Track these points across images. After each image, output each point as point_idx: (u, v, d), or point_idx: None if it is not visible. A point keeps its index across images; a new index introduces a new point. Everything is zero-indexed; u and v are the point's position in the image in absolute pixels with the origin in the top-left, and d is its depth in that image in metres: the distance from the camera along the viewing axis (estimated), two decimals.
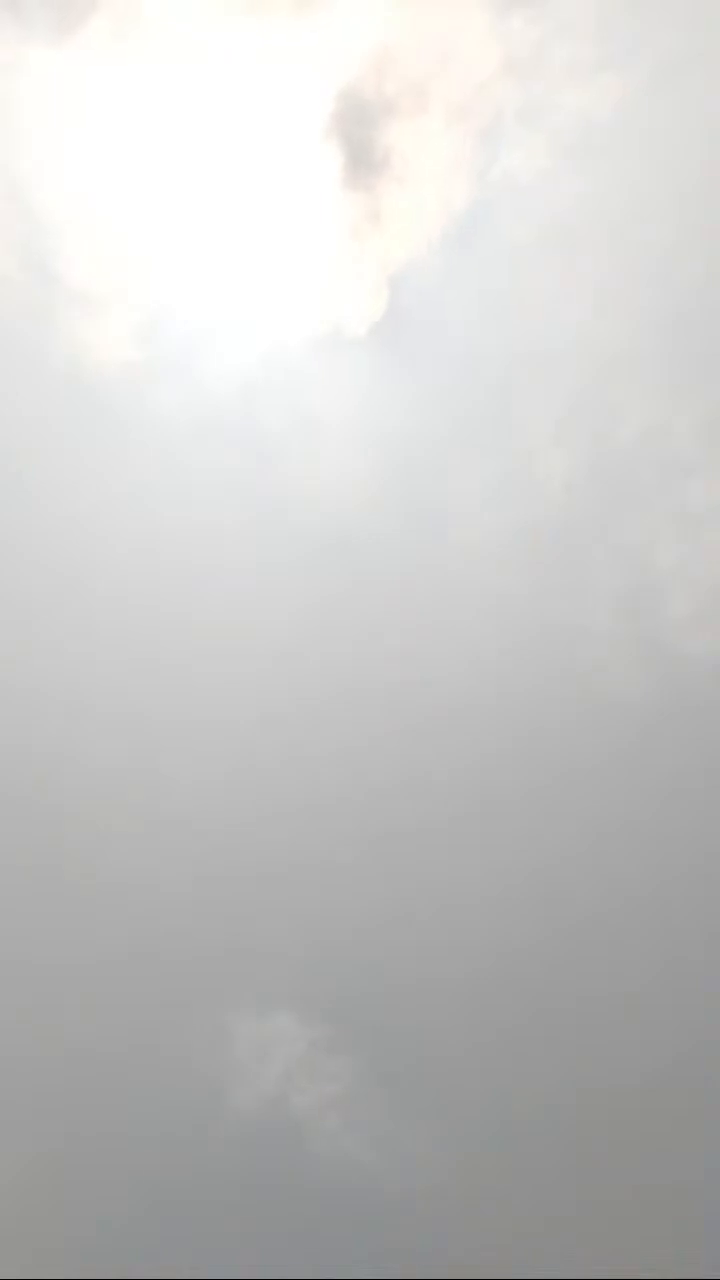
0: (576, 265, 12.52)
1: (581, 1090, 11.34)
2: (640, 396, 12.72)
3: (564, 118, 12.69)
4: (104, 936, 12.20)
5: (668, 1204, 10.52)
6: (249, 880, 12.34)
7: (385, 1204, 10.60)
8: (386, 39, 13.06)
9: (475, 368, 13.47)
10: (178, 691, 12.90)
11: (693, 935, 12.00)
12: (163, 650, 12.68)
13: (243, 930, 12.10)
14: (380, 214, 13.25)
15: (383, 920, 11.91)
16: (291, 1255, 10.66)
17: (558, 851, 12.43)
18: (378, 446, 13.65)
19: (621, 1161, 10.84)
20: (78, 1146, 11.49)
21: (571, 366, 13.19)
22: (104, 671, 12.67)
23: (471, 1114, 11.52)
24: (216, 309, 13.80)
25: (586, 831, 12.47)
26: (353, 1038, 11.40)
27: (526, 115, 13.02)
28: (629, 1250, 10.01)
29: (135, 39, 13.32)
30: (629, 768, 12.55)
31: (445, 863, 12.46)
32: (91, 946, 12.15)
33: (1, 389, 13.23)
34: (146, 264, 13.59)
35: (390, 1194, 10.62)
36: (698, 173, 11.65)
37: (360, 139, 12.98)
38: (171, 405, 13.47)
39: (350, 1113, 11.10)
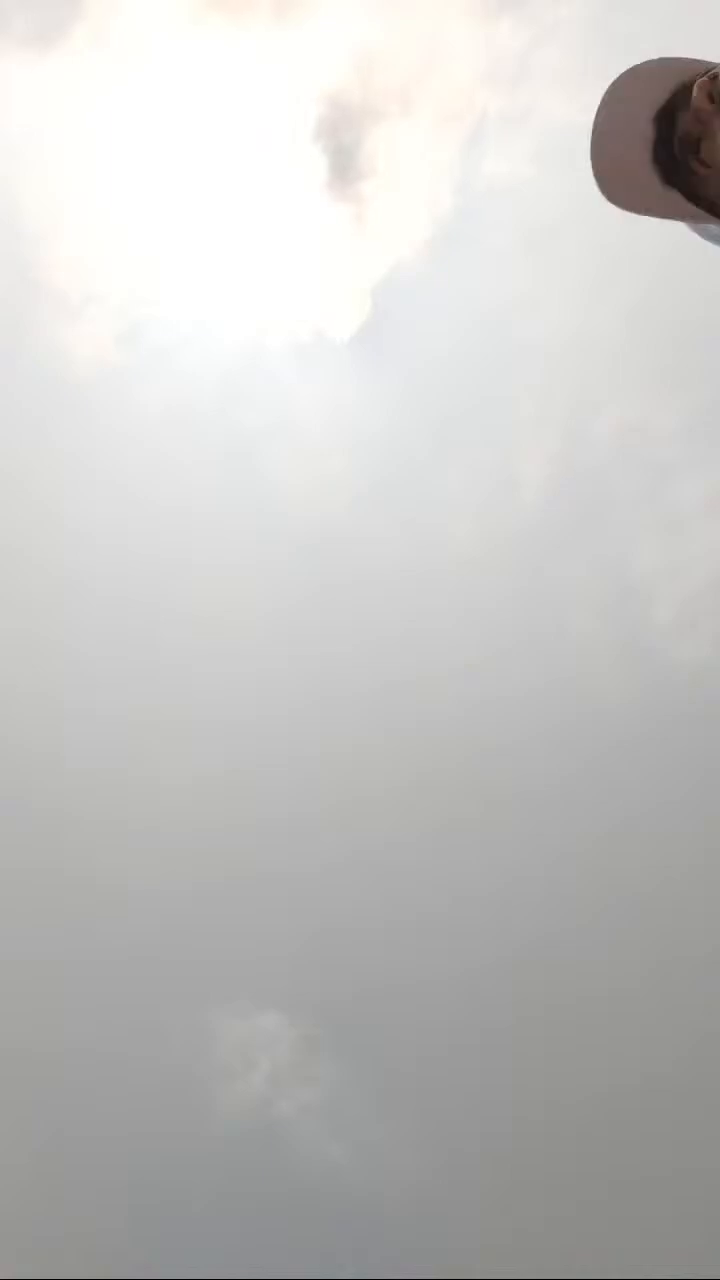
0: (563, 270, 12.58)
1: (580, 1094, 11.35)
2: (628, 400, 12.80)
3: (551, 123, 12.79)
4: (92, 934, 12.19)
5: (669, 1207, 10.51)
6: (236, 881, 12.34)
7: (376, 1207, 10.60)
8: (372, 43, 13.12)
9: (461, 371, 13.53)
10: (167, 690, 12.90)
11: (684, 939, 12.05)
12: (155, 649, 12.70)
13: (232, 929, 12.11)
14: (365, 218, 13.31)
15: (375, 921, 11.92)
16: (280, 1259, 10.66)
17: (546, 854, 12.47)
18: (361, 450, 13.69)
19: (620, 1164, 10.84)
20: (62, 1147, 11.45)
21: (559, 371, 13.26)
22: (93, 669, 12.69)
23: (466, 1117, 11.54)
24: (201, 312, 13.82)
25: (574, 834, 12.51)
26: (345, 1039, 11.41)
27: (513, 120, 13.10)
28: (628, 1252, 10.01)
29: (116, 45, 13.36)
30: (614, 772, 12.60)
31: (433, 864, 12.49)
32: (78, 945, 12.14)
33: None
34: (130, 267, 13.61)
35: (379, 1197, 10.62)
36: None
37: (345, 143, 13.02)
38: (155, 406, 13.49)
39: (340, 1116, 11.11)
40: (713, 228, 2.36)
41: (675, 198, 2.32)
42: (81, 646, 12.92)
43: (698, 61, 2.19)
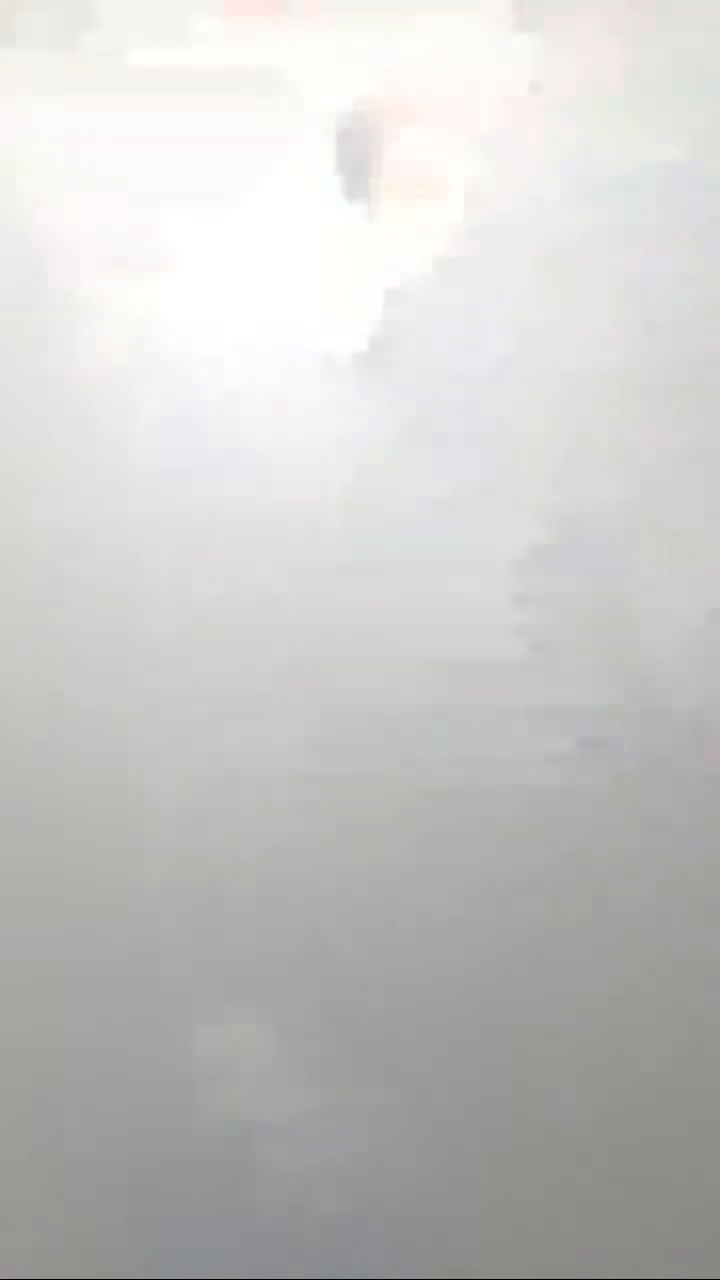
0: (575, 292, 12.35)
1: (582, 1101, 10.94)
2: (636, 424, 12.61)
3: (571, 145, 12.54)
4: (80, 934, 11.91)
5: (667, 1220, 10.18)
6: (231, 882, 12.11)
7: (371, 1213, 10.27)
8: (394, 55, 12.86)
9: (466, 388, 13.33)
10: (156, 689, 12.65)
11: (683, 945, 11.87)
12: (153, 649, 12.48)
13: (219, 929, 11.86)
14: (377, 231, 13.08)
15: (367, 922, 11.71)
16: (272, 1265, 10.33)
17: (544, 862, 12.28)
18: (363, 461, 13.46)
19: (624, 1176, 10.45)
20: (56, 1148, 11.14)
21: (566, 392, 13.06)
22: (89, 669, 12.44)
23: (464, 1123, 11.22)
24: (206, 318, 13.63)
25: (573, 841, 12.33)
26: (341, 1043, 11.14)
27: (532, 140, 12.87)
28: (629, 1252, 9.64)
29: (132, 49, 13.14)
30: (606, 792, 12.35)
31: (431, 869, 12.30)
32: (68, 944, 11.86)
33: None
34: (134, 271, 13.42)
35: (375, 1203, 10.30)
36: (708, 204, 11.53)
37: (358, 156, 12.80)
38: (155, 412, 13.24)
39: (335, 1121, 10.78)
40: None
41: None
42: (79, 647, 12.69)
43: None
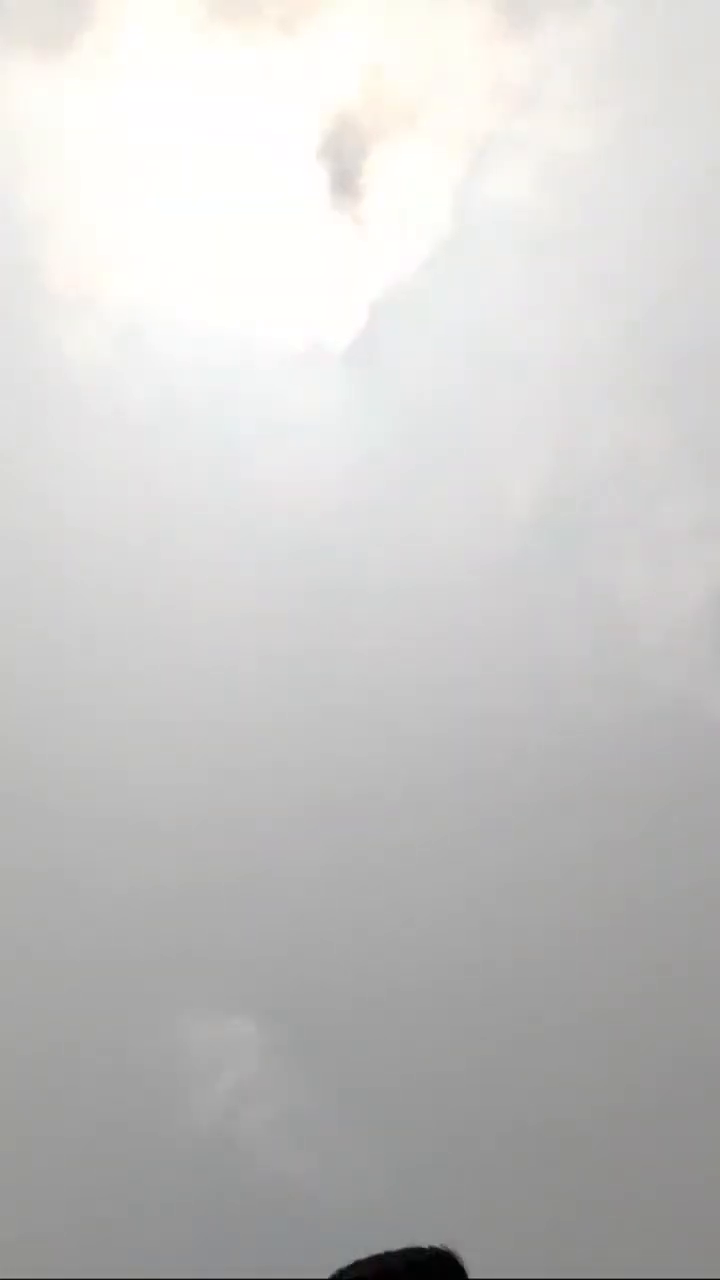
0: (561, 292, 12.74)
1: (555, 1111, 11.32)
2: (622, 422, 12.93)
3: (556, 148, 12.95)
4: (64, 934, 12.15)
5: (649, 1233, 10.44)
6: (212, 883, 12.33)
7: (346, 1220, 10.54)
8: (378, 60, 13.29)
9: (454, 388, 13.66)
10: (147, 689, 12.90)
11: (662, 959, 12.11)
12: (145, 649, 12.73)
13: (203, 934, 12.11)
14: (365, 233, 13.46)
15: (352, 930, 11.95)
16: (246, 1270, 10.55)
17: (527, 872, 12.52)
18: (352, 460, 13.77)
19: (596, 1186, 10.76)
20: (28, 1149, 11.32)
21: (553, 391, 13.40)
22: (78, 668, 12.70)
23: (440, 1131, 11.52)
24: (198, 319, 13.93)
25: (556, 854, 12.57)
26: (321, 1049, 11.39)
27: (517, 143, 13.28)
28: (630, 1258, 9.90)
29: (123, 53, 13.48)
30: (598, 795, 12.65)
31: (413, 878, 12.53)
32: (52, 944, 12.09)
33: None
34: (130, 273, 13.71)
35: (350, 1210, 10.56)
36: (689, 207, 11.94)
37: (347, 159, 13.18)
38: (148, 412, 13.54)
39: (307, 1130, 11.05)
40: None
41: None
42: (75, 640, 12.92)
43: None
